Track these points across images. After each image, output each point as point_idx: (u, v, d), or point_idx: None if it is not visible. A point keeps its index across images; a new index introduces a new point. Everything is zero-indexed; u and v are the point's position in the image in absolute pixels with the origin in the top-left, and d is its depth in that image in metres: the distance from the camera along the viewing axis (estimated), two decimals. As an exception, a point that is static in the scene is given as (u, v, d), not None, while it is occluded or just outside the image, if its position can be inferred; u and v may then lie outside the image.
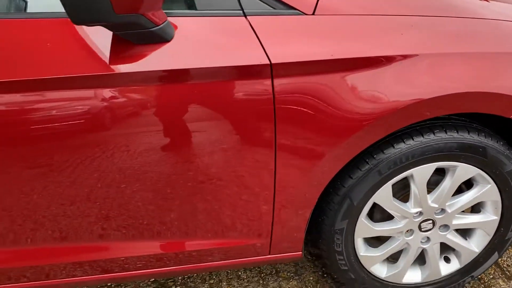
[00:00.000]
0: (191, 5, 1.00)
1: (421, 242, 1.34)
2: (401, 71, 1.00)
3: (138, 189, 1.04)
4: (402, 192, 1.27)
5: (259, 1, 0.98)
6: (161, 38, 0.90)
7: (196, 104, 0.95)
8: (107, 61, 0.89)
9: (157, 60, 0.91)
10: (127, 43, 0.90)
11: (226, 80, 0.94)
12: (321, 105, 0.98)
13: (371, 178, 1.15)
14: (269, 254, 1.26)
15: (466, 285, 1.59)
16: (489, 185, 1.26)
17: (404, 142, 1.12)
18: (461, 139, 1.15)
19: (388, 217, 1.28)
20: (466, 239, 1.40)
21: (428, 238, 1.34)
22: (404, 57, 1.00)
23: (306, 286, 1.59)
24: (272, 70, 0.94)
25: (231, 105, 0.96)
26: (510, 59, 1.09)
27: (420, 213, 1.27)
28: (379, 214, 1.31)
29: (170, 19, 0.93)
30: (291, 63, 0.95)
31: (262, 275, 1.64)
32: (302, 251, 1.28)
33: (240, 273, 1.65)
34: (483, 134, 1.18)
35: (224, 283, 1.60)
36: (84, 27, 0.91)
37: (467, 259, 1.42)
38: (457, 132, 1.15)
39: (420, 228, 1.30)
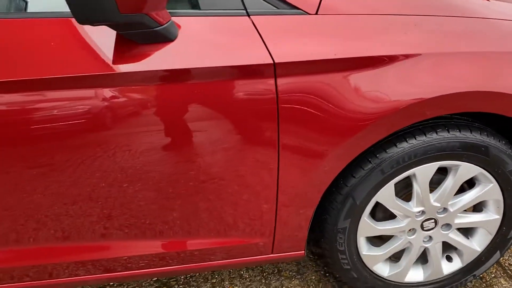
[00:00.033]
0: (194, 5, 1.00)
1: (423, 241, 1.34)
2: (404, 70, 1.01)
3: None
4: (404, 191, 1.27)
5: (263, 1, 0.98)
6: (165, 37, 0.90)
7: (200, 104, 0.95)
8: (111, 60, 0.90)
9: (161, 59, 0.91)
10: (131, 43, 0.90)
11: (230, 79, 0.94)
12: (324, 105, 0.98)
13: (374, 177, 1.15)
14: (272, 253, 1.26)
15: (468, 284, 1.59)
16: (491, 184, 1.26)
17: (406, 141, 1.13)
18: (464, 138, 1.15)
19: (390, 216, 1.29)
20: (468, 238, 1.40)
21: (430, 237, 1.34)
22: (407, 56, 1.00)
23: (308, 285, 1.59)
24: (275, 69, 0.94)
25: (234, 105, 0.96)
26: (511, 58, 1.09)
27: (423, 212, 1.27)
28: (381, 213, 1.31)
29: (174, 18, 0.93)
30: (295, 62, 0.95)
31: (264, 274, 1.64)
32: (304, 250, 1.29)
33: (242, 272, 1.65)
34: (485, 133, 1.18)
35: (227, 282, 1.60)
36: (86, 27, 0.91)
37: (469, 258, 1.42)
38: (460, 131, 1.15)
39: (422, 227, 1.30)
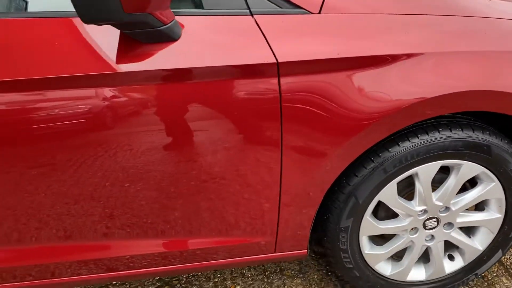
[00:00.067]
0: (198, 5, 1.00)
1: (425, 240, 1.35)
2: (406, 70, 1.01)
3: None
4: (406, 190, 1.28)
5: (266, 0, 0.98)
6: (168, 37, 0.90)
7: (203, 103, 0.96)
8: (114, 60, 0.90)
9: (164, 59, 0.91)
10: (134, 42, 0.91)
11: (233, 79, 0.95)
12: (327, 104, 0.98)
13: (376, 176, 1.15)
14: (275, 252, 1.26)
15: (470, 283, 1.59)
16: (493, 183, 1.26)
17: (409, 140, 1.13)
18: (466, 137, 1.15)
19: (392, 215, 1.29)
20: (470, 237, 1.41)
21: (432, 236, 1.35)
22: (410, 56, 1.00)
23: (311, 284, 1.60)
24: (278, 68, 0.95)
25: (238, 104, 0.96)
26: (512, 57, 1.09)
27: (425, 211, 1.27)
28: (383, 212, 1.31)
29: (177, 18, 0.93)
30: (298, 61, 0.95)
31: (266, 273, 1.65)
32: (307, 249, 1.29)
33: (244, 272, 1.65)
34: (487, 132, 1.18)
35: (229, 281, 1.60)
36: (87, 26, 0.91)
37: (471, 257, 1.42)
38: (462, 130, 1.16)
39: (424, 226, 1.31)
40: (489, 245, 1.40)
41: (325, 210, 1.24)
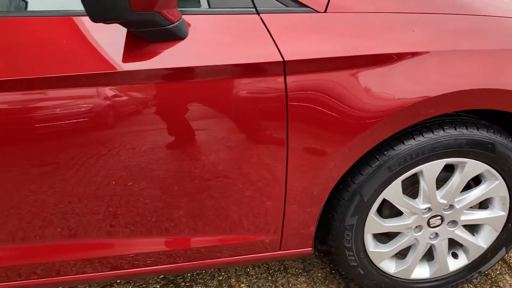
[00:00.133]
0: (204, 3, 1.00)
1: (429, 238, 1.35)
2: (411, 68, 1.01)
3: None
4: (411, 188, 1.28)
5: (272, -1, 0.98)
6: (175, 35, 0.90)
7: (208, 102, 0.96)
8: (121, 59, 0.90)
9: (171, 58, 0.92)
10: (141, 41, 0.91)
11: (240, 77, 0.95)
12: (333, 102, 0.99)
13: (381, 175, 1.16)
14: (280, 250, 1.27)
15: (474, 280, 1.60)
16: (497, 181, 1.26)
17: (414, 139, 1.13)
18: (471, 136, 1.15)
19: (397, 213, 1.29)
20: (474, 235, 1.41)
21: (436, 234, 1.35)
22: (414, 54, 1.00)
23: (315, 282, 1.60)
24: (285, 67, 0.95)
25: (244, 103, 0.96)
26: (516, 56, 1.09)
27: (429, 209, 1.27)
28: (388, 210, 1.32)
29: (184, 17, 0.93)
30: (304, 60, 0.96)
31: (270, 271, 1.65)
32: (312, 247, 1.29)
33: (248, 270, 1.66)
34: (491, 130, 1.19)
35: (233, 280, 1.61)
36: (91, 25, 0.91)
37: (474, 254, 1.43)
38: (467, 128, 1.16)
39: (428, 224, 1.31)
40: (493, 243, 1.41)
41: (329, 208, 1.25)
